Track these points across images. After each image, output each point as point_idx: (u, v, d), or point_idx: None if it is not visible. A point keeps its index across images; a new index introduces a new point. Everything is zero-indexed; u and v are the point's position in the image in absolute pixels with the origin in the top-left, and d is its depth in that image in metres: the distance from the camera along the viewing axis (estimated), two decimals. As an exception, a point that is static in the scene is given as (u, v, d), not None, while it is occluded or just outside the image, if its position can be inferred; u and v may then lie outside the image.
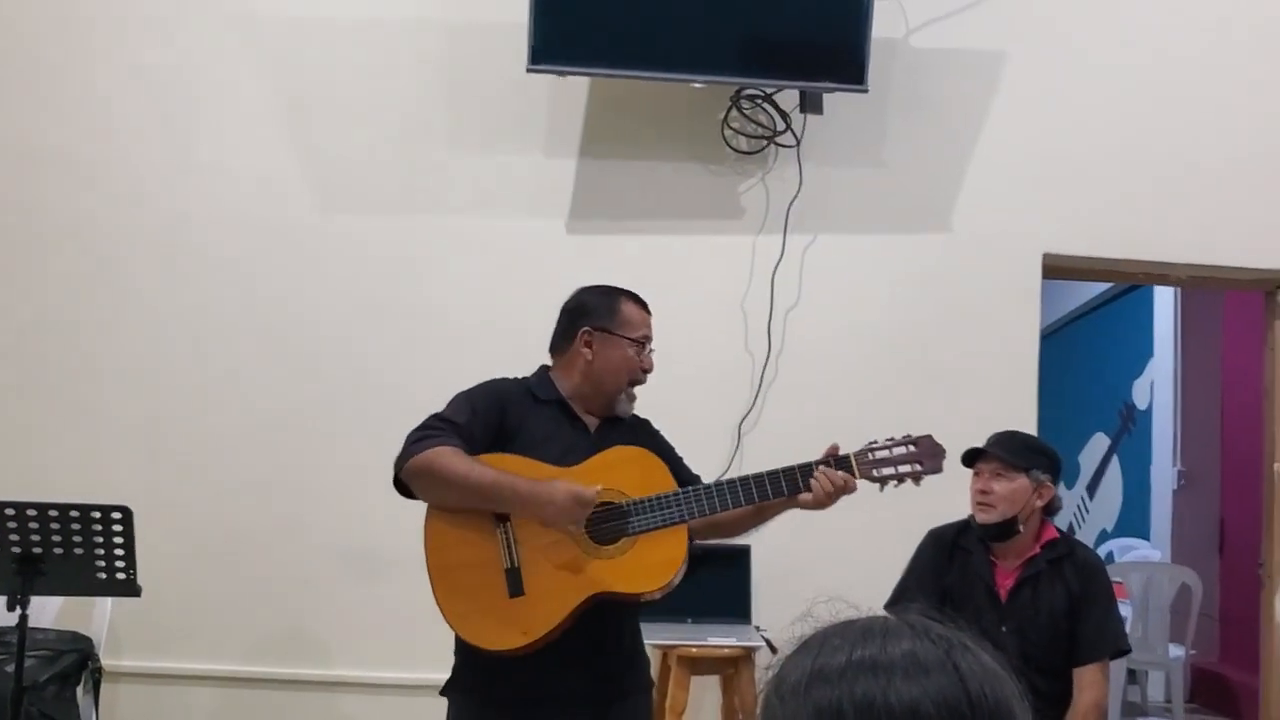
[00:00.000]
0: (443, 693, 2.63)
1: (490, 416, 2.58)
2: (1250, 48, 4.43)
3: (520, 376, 2.72)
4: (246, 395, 4.20)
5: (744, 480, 2.52)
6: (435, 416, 2.56)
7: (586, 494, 2.41)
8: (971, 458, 3.18)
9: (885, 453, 2.55)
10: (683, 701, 3.76)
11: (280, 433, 4.19)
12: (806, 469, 2.50)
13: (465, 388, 2.68)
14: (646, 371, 2.68)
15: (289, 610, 4.16)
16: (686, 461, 2.81)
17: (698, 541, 2.67)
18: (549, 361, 2.76)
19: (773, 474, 2.51)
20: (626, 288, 2.76)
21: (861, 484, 2.57)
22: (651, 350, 2.71)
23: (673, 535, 2.49)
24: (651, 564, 2.47)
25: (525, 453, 2.55)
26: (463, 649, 2.60)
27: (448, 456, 2.45)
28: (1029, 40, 4.38)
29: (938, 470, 2.59)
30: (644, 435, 2.72)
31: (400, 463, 2.50)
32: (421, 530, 2.57)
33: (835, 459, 2.52)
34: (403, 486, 2.55)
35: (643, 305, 2.74)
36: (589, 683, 2.52)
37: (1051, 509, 3.22)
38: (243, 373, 4.21)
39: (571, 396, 2.67)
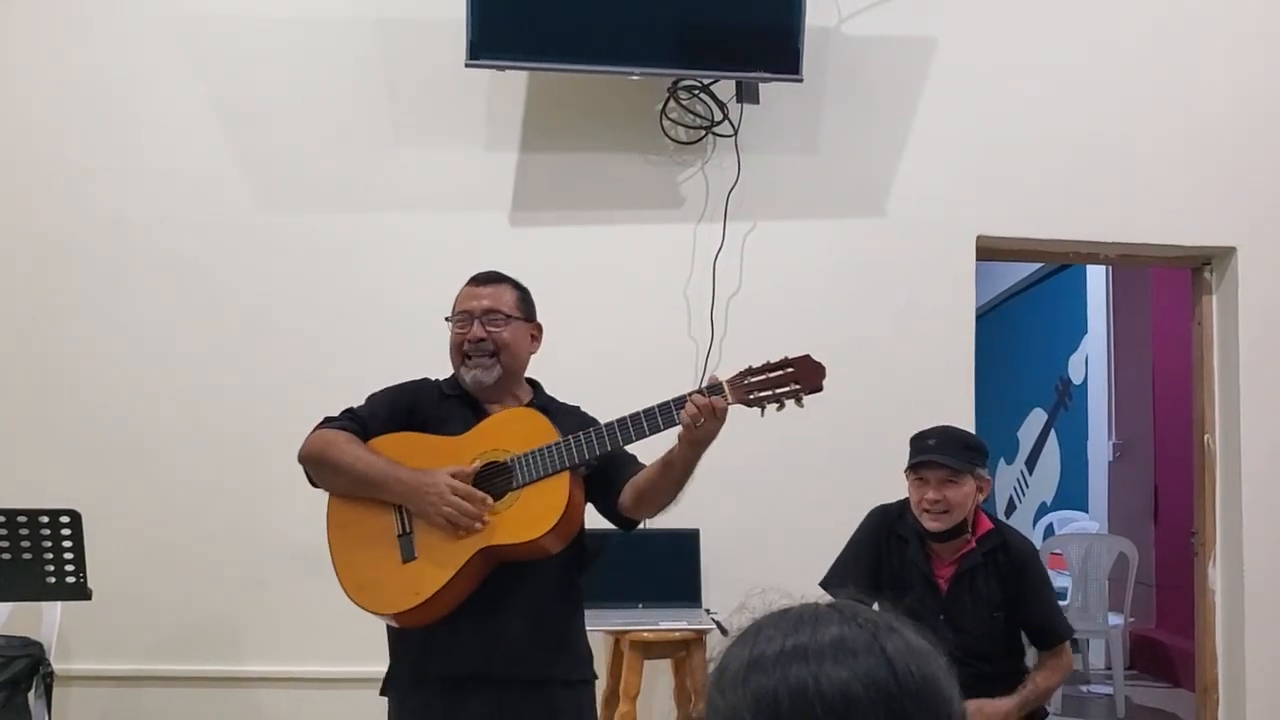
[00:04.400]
0: (382, 693, 2.67)
1: (398, 408, 2.66)
2: (1175, 33, 4.54)
3: (437, 378, 2.77)
4: (192, 395, 4.19)
5: (620, 420, 2.51)
6: (345, 409, 2.67)
7: (458, 485, 2.48)
8: (915, 466, 3.19)
9: (760, 376, 2.51)
10: (636, 685, 3.81)
11: (227, 432, 4.18)
12: (679, 400, 2.47)
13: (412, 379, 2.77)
14: (472, 342, 2.64)
15: (240, 609, 4.16)
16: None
17: (639, 518, 2.68)
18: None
19: (647, 409, 2.50)
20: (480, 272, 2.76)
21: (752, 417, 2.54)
22: (501, 318, 2.65)
23: (555, 483, 2.50)
24: (535, 512, 2.49)
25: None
26: (391, 642, 2.65)
27: (336, 445, 2.56)
28: (960, 26, 4.46)
29: (817, 389, 2.54)
30: (550, 410, 2.70)
31: (299, 451, 2.61)
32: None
33: (708, 387, 2.49)
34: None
35: (474, 281, 2.73)
36: (510, 663, 2.53)
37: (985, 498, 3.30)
38: (188, 373, 4.20)
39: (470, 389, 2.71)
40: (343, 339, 4.22)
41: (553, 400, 2.78)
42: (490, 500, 2.49)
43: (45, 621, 3.78)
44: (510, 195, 4.31)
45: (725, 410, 2.44)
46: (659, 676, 4.11)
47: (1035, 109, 4.46)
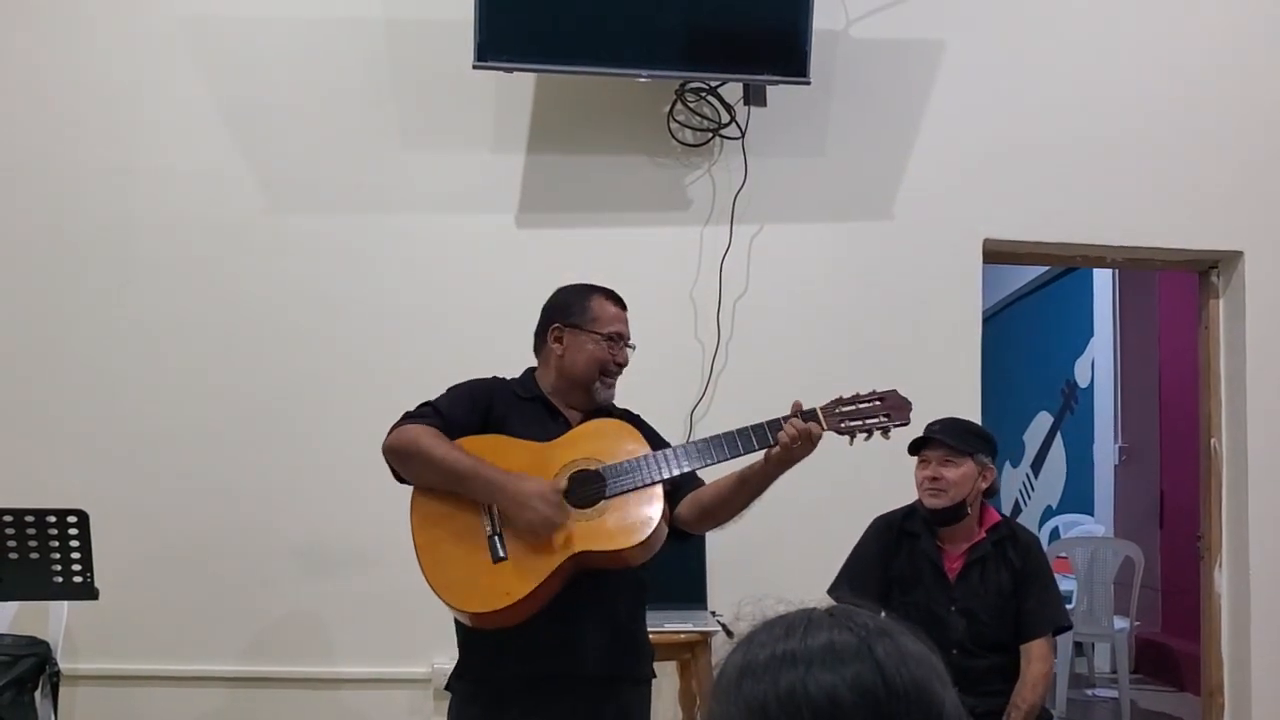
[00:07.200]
0: (447, 688, 2.69)
1: (477, 406, 2.66)
2: (1182, 37, 4.54)
3: (508, 378, 2.79)
4: (201, 396, 4.20)
5: (714, 438, 2.56)
6: (423, 403, 2.65)
7: (551, 495, 2.49)
8: (917, 446, 3.29)
9: (851, 407, 2.57)
10: (641, 687, 3.81)
11: (235, 432, 4.19)
12: (774, 423, 2.52)
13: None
14: (620, 365, 2.72)
15: (247, 609, 4.16)
16: None
17: (694, 532, 2.73)
18: (533, 363, 2.82)
19: (741, 430, 2.55)
20: (603, 285, 2.81)
21: (825, 447, 2.57)
22: (632, 347, 2.76)
23: (648, 495, 2.54)
24: (627, 523, 2.52)
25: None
26: (464, 637, 2.65)
27: (426, 438, 2.54)
28: (967, 30, 4.46)
29: (905, 422, 2.61)
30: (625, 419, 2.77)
31: (384, 443, 2.59)
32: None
33: (802, 413, 2.53)
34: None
35: (616, 302, 2.78)
36: (588, 662, 2.56)
37: (991, 490, 3.36)
38: (197, 373, 4.20)
39: (551, 393, 2.73)
40: (349, 339, 4.23)
41: (614, 406, 2.80)
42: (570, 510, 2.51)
43: (52, 621, 3.80)
44: (517, 197, 4.31)
45: (820, 436, 2.51)
46: (664, 679, 4.10)
47: (1042, 112, 4.46)
